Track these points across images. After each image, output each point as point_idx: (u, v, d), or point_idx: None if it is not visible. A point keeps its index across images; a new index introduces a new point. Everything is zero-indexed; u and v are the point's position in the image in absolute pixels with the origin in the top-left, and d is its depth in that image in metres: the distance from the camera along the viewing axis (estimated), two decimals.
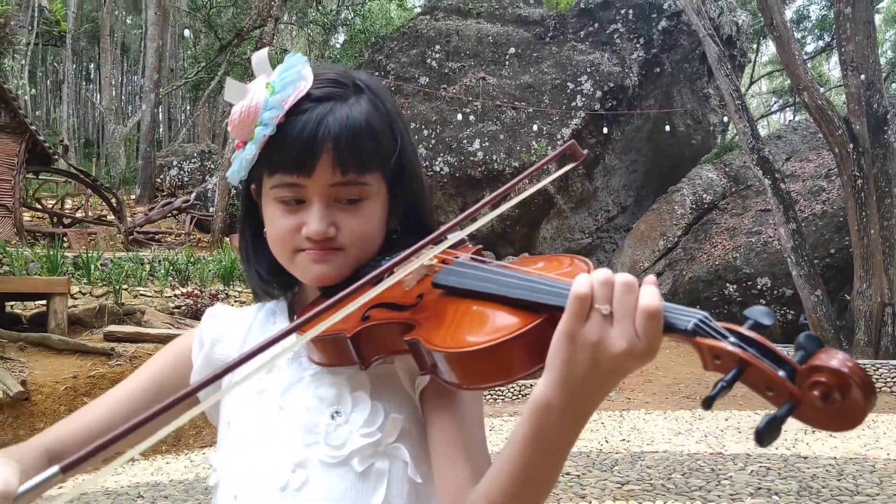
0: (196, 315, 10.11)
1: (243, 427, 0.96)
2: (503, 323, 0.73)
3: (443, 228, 0.80)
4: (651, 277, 0.67)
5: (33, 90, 34.72)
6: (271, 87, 0.90)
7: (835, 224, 14.95)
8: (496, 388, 9.57)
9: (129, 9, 39.61)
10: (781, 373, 0.60)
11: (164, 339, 8.63)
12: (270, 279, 1.02)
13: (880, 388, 10.78)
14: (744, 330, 0.63)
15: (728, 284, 15.44)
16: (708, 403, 0.61)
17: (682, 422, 8.70)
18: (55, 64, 41.21)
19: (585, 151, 0.88)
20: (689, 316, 0.64)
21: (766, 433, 0.58)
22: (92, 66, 43.14)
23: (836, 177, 14.56)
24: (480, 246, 0.91)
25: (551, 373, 0.69)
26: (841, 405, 0.57)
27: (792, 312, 14.92)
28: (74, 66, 38.35)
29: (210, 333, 1.06)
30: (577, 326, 0.66)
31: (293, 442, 0.91)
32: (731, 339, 0.62)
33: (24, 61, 29.84)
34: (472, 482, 0.83)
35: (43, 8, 31.11)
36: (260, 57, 0.94)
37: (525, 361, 0.73)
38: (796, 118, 30.10)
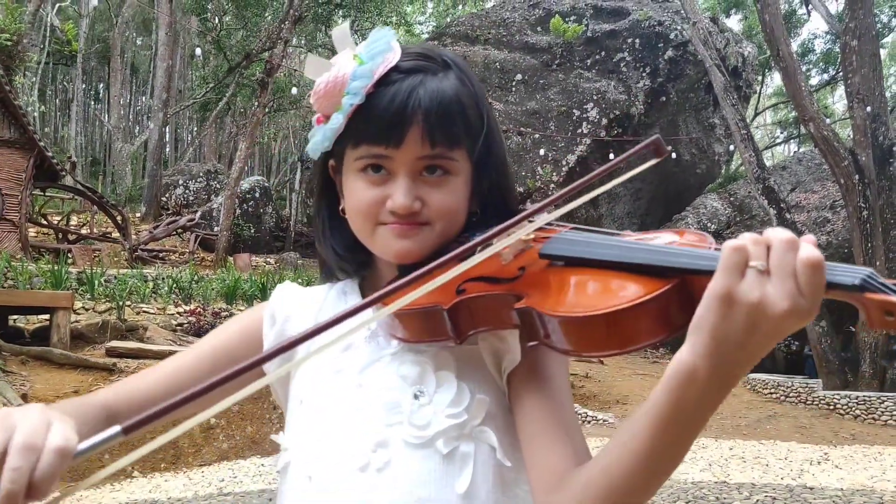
0: (198, 333, 10.08)
1: (318, 405, 0.93)
2: (628, 288, 0.69)
3: (538, 205, 0.76)
4: (810, 237, 0.63)
5: (43, 107, 35.00)
6: (359, 58, 0.88)
7: (840, 255, 14.93)
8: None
9: (139, 30, 40.02)
10: None
11: (165, 356, 8.55)
12: (347, 256, 0.99)
13: (885, 421, 10.68)
14: None
15: None
16: (891, 358, 0.58)
17: None
18: (65, 83, 41.58)
19: (669, 148, 0.84)
20: (856, 272, 0.60)
21: None
22: (101, 85, 43.52)
23: (842, 208, 14.58)
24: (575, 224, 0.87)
25: (699, 338, 0.63)
26: None
27: (796, 343, 14.86)
28: (84, 86, 38.69)
29: (282, 310, 1.03)
30: (733, 285, 0.61)
31: (374, 421, 0.88)
32: None
33: (34, 79, 30.11)
34: (574, 463, 0.79)
35: (55, 27, 31.45)
36: (342, 31, 0.92)
37: (650, 330, 0.68)
38: (801, 150, 30.21)
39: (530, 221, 0.78)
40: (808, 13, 18.25)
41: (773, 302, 0.60)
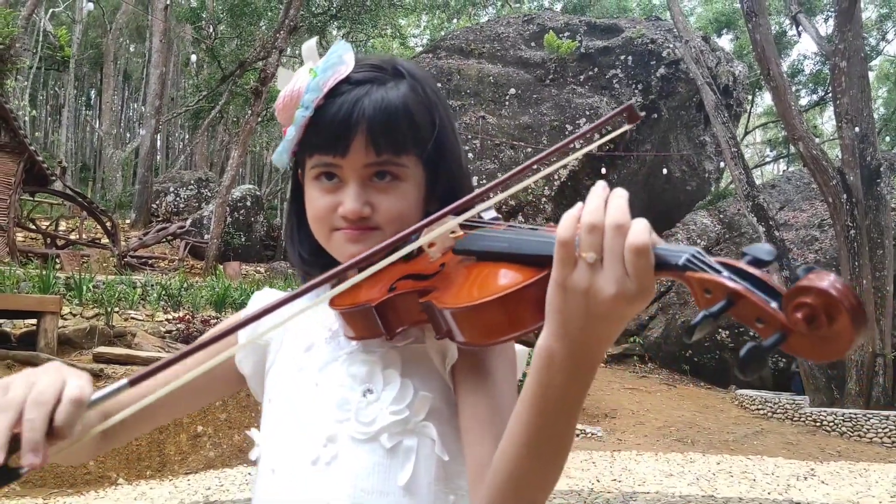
0: (187, 340, 10.04)
1: (282, 402, 0.99)
2: (510, 277, 0.74)
3: (466, 198, 0.80)
4: (641, 220, 0.65)
5: (34, 112, 34.87)
6: (314, 71, 0.93)
7: None
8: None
9: (133, 37, 40.00)
10: (773, 304, 0.57)
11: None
12: (311, 260, 1.04)
13: (871, 438, 10.74)
14: (739, 264, 0.61)
15: (721, 330, 15.44)
16: (690, 332, 0.59)
17: (674, 464, 8.63)
18: (56, 88, 41.47)
19: (643, 113, 0.88)
20: (680, 252, 0.63)
21: (751, 362, 0.55)
22: (93, 91, 43.43)
23: (829, 227, 14.68)
24: (512, 223, 0.90)
25: (550, 322, 0.68)
26: (827, 331, 0.54)
27: (784, 360, 14.91)
28: (75, 91, 38.59)
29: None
30: (566, 274, 0.65)
31: (326, 417, 0.92)
32: (725, 272, 0.60)
33: (26, 83, 30.03)
34: None
35: (48, 32, 31.39)
36: (309, 46, 0.96)
37: (532, 315, 0.72)
38: (790, 168, 30.46)
39: (455, 216, 0.80)
40: (799, 34, 18.43)
41: (600, 288, 0.64)
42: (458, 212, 0.80)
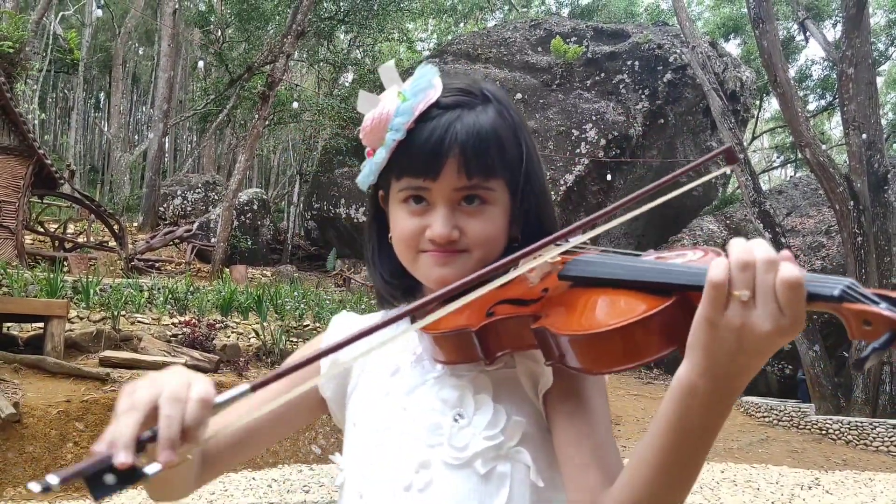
0: (193, 344, 10.06)
1: (368, 428, 0.99)
2: (632, 306, 0.72)
3: (565, 230, 0.80)
4: (786, 252, 0.65)
5: (43, 115, 35.07)
6: (402, 95, 0.93)
7: None
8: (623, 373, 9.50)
9: (142, 40, 40.18)
10: None
11: (159, 367, 8.56)
12: (394, 282, 1.04)
13: (877, 447, 10.69)
14: (894, 294, 0.60)
15: None
16: (859, 365, 0.60)
17: None
18: (66, 91, 41.67)
19: (742, 156, 0.87)
20: (834, 283, 0.62)
21: (870, 360, 0.58)
22: (102, 94, 43.63)
23: (836, 233, 14.65)
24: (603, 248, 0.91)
25: (694, 357, 0.68)
26: None
27: (790, 367, 14.88)
28: (85, 94, 38.78)
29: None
30: (717, 313, 0.65)
31: (417, 443, 0.92)
32: (883, 304, 0.59)
33: (35, 87, 30.20)
34: (606, 484, 0.82)
35: (58, 36, 31.57)
36: (388, 68, 0.97)
37: (654, 345, 0.72)
38: (797, 174, 30.37)
39: (558, 245, 0.81)
40: (806, 40, 18.40)
41: (755, 325, 0.63)
42: (557, 242, 0.80)
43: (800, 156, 18.49)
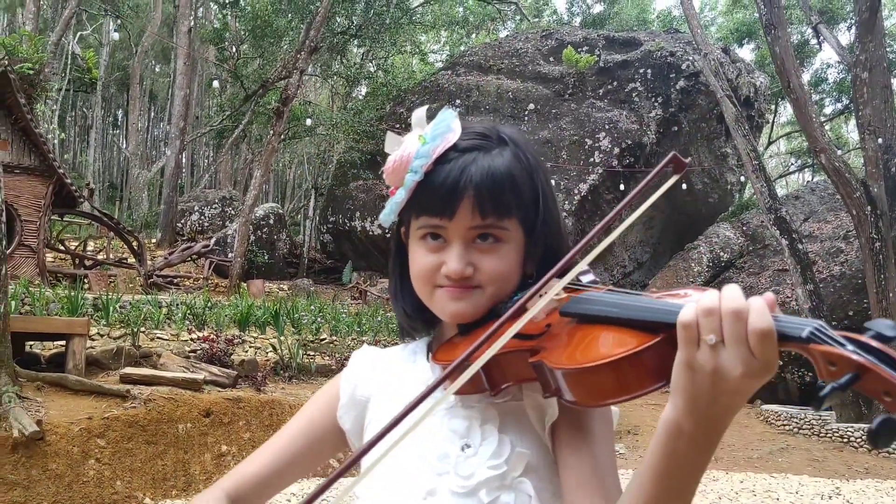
0: (211, 359, 10.15)
1: (378, 451, 1.04)
2: (623, 342, 0.76)
3: (562, 261, 0.85)
4: (767, 295, 0.68)
5: (62, 134, 35.55)
6: (423, 138, 0.98)
7: (853, 286, 14.87)
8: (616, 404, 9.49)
9: (158, 58, 40.69)
10: None
11: (179, 383, 8.66)
12: (415, 316, 1.09)
13: None
14: (862, 338, 0.63)
15: None
16: (819, 403, 0.63)
17: None
18: (84, 109, 42.23)
19: (688, 159, 0.92)
20: (803, 325, 0.65)
21: (883, 434, 0.59)
22: (120, 112, 44.17)
23: (855, 238, 14.54)
24: (611, 286, 0.94)
25: (677, 399, 0.72)
26: None
27: (810, 374, 14.73)
28: (103, 112, 39.28)
29: (355, 374, 1.15)
30: (691, 354, 0.69)
31: (425, 470, 0.97)
32: (849, 346, 0.62)
33: (55, 106, 30.63)
34: None
35: (76, 56, 32.03)
36: (419, 115, 1.02)
37: (643, 379, 0.75)
38: (815, 179, 30.16)
39: (559, 279, 0.85)
40: (819, 45, 18.32)
41: (728, 368, 0.67)
42: (560, 274, 0.85)
43: (816, 161, 18.42)
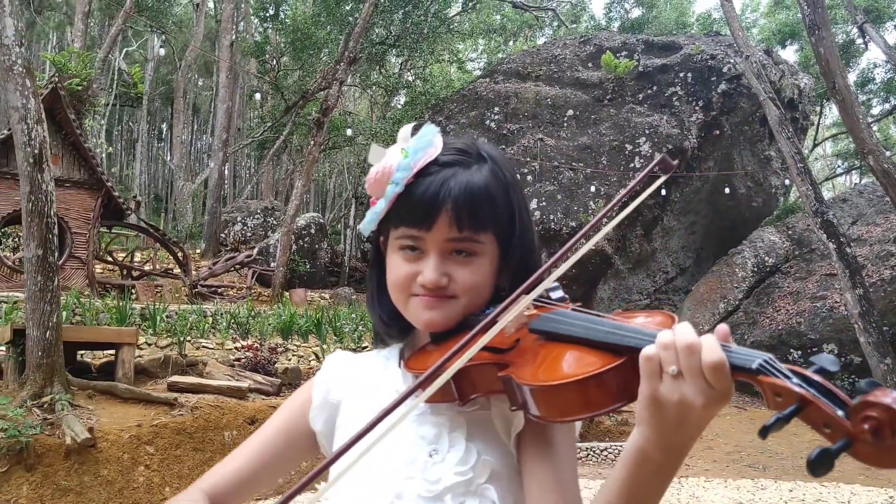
0: (255, 368, 10.30)
1: (350, 457, 1.07)
2: (587, 362, 0.80)
3: (533, 277, 0.89)
4: (721, 327, 0.74)
5: (110, 148, 36.44)
6: (405, 151, 1.02)
7: None
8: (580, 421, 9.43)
9: (201, 72, 41.49)
10: (840, 412, 0.64)
11: (224, 391, 8.81)
12: (391, 323, 1.12)
13: None
14: (807, 372, 0.68)
15: (792, 350, 15.01)
16: (763, 433, 0.66)
17: (744, 491, 8.42)
18: (131, 123, 43.26)
19: (676, 161, 0.95)
20: (753, 357, 0.70)
21: (819, 464, 0.62)
22: (164, 125, 45.14)
23: None
24: (580, 303, 0.98)
25: (643, 429, 0.77)
26: (891, 442, 0.61)
27: (856, 378, 14.38)
28: (148, 126, 40.17)
29: (328, 377, 1.18)
30: (655, 387, 0.74)
31: (394, 475, 0.99)
32: (794, 379, 0.67)
33: (102, 121, 31.43)
34: None
35: (122, 71, 32.84)
36: (405, 131, 1.06)
37: (606, 398, 0.79)
38: (863, 181, 29.46)
39: (528, 294, 0.89)
40: (865, 44, 17.94)
41: (690, 399, 0.73)
42: (529, 289, 0.89)
43: (863, 163, 18.01)
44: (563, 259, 0.90)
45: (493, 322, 0.87)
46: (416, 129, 1.06)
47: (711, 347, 0.71)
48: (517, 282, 1.02)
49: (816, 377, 0.67)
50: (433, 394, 0.93)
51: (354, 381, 1.15)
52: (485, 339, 0.84)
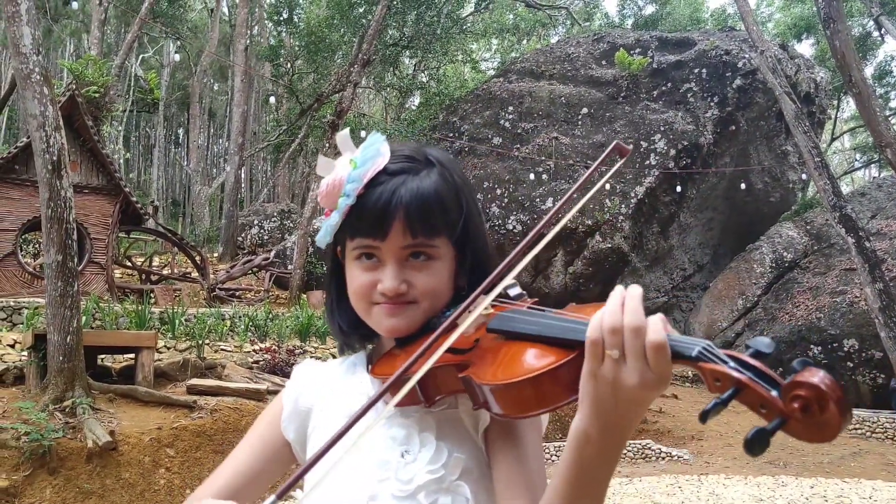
0: (273, 370, 10.37)
1: (323, 464, 1.07)
2: (542, 358, 0.83)
3: (490, 277, 0.92)
4: (658, 315, 0.76)
5: (127, 154, 36.77)
6: (354, 162, 1.04)
7: None
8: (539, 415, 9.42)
9: (216, 77, 41.77)
10: (774, 392, 0.68)
11: (242, 393, 8.88)
12: (351, 332, 1.14)
13: None
14: (743, 356, 0.71)
15: (812, 346, 14.89)
16: (703, 417, 0.69)
17: (765, 488, 8.37)
18: (147, 129, 43.61)
19: (630, 146, 0.98)
20: (693, 344, 0.73)
21: (756, 443, 0.66)
22: (181, 130, 45.48)
23: None
24: (536, 299, 1.00)
25: (584, 408, 0.79)
26: (819, 418, 0.64)
27: (882, 376, 14.24)
28: (165, 131, 40.51)
29: (297, 386, 1.20)
30: (595, 366, 0.77)
31: (368, 477, 1.01)
32: (731, 363, 0.70)
33: (120, 127, 31.72)
34: None
35: (139, 77, 33.14)
36: (343, 137, 1.08)
37: (561, 393, 0.82)
38: (881, 175, 29.15)
39: (486, 294, 0.92)
40: (882, 37, 17.76)
41: (626, 379, 0.76)
42: (487, 290, 0.91)
43: (882, 156, 17.79)
44: (520, 257, 0.93)
45: (454, 324, 0.89)
46: (345, 139, 1.07)
47: (657, 330, 0.74)
48: (476, 281, 1.04)
49: (752, 360, 0.70)
50: (400, 398, 0.95)
51: (324, 389, 1.17)
52: (449, 342, 0.87)
